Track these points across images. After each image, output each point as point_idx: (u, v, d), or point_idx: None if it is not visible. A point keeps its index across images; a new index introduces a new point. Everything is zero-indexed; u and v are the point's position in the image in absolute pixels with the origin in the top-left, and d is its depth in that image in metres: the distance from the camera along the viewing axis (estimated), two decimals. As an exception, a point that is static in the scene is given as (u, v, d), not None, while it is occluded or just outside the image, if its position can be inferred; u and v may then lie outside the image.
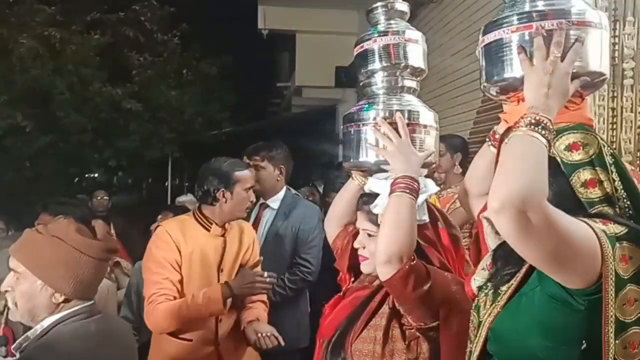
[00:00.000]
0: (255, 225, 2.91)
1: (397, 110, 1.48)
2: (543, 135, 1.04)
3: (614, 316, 1.03)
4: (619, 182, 1.12)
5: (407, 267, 1.33)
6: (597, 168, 1.12)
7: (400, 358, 1.41)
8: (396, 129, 1.47)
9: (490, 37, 1.23)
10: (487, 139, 1.46)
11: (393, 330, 1.40)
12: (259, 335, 2.21)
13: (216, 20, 10.52)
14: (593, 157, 1.13)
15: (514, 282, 1.16)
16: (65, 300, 1.51)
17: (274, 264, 2.75)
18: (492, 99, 1.35)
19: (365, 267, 1.54)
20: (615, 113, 2.40)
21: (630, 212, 1.10)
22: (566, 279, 1.04)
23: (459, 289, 1.41)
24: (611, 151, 1.15)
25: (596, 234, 1.03)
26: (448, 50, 4.78)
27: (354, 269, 1.63)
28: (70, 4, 8.30)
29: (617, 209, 1.10)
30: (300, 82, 10.32)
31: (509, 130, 1.09)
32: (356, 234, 1.60)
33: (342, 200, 1.75)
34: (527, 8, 1.20)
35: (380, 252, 1.36)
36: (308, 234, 2.84)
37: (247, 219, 2.89)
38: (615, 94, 2.40)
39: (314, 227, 2.86)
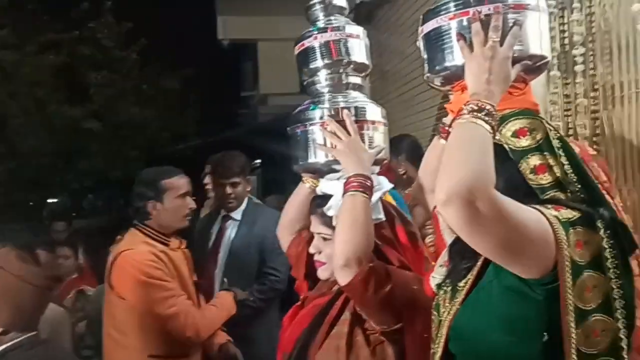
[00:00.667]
0: (219, 237, 2.82)
1: (343, 108, 1.43)
2: (486, 122, 1.01)
3: (573, 304, 0.99)
4: (569, 166, 1.08)
5: (366, 269, 1.28)
6: (545, 153, 1.09)
7: None
8: (344, 127, 1.42)
9: (429, 25, 1.20)
10: (437, 133, 1.42)
11: (356, 336, 1.35)
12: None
13: (176, 33, 10.39)
14: (540, 142, 1.10)
15: (471, 276, 1.12)
16: (3, 332, 1.43)
17: (241, 276, 2.68)
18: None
19: (322, 273, 1.49)
20: (569, 99, 2.41)
21: (582, 195, 1.07)
22: (521, 269, 1.00)
23: (421, 287, 1.37)
24: (558, 135, 1.12)
25: (548, 220, 1.00)
26: (407, 49, 4.77)
27: (311, 276, 1.58)
28: (23, 26, 8.11)
29: (569, 194, 1.07)
30: (265, 90, 10.30)
31: (453, 119, 1.05)
32: (311, 239, 1.54)
33: (294, 205, 1.69)
34: None
35: (338, 255, 1.31)
36: (274, 241, 2.76)
37: (209, 231, 2.80)
38: (568, 81, 2.41)
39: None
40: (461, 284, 1.15)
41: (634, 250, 1.08)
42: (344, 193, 1.34)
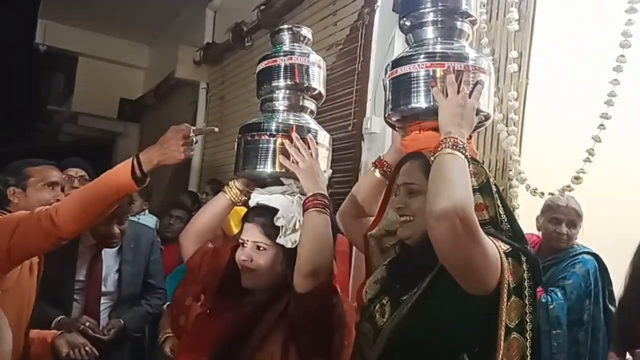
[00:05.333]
0: (94, 268, 2.45)
1: (295, 125, 1.51)
2: (464, 155, 1.18)
3: (504, 321, 1.19)
4: (501, 208, 1.31)
5: (329, 279, 1.36)
6: (484, 194, 1.29)
7: None
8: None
9: (401, 70, 1.36)
10: (373, 165, 1.56)
11: (290, 346, 1.38)
12: (73, 347, 2.01)
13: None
14: (481, 185, 1.30)
15: (418, 291, 1.24)
16: None
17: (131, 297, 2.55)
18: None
19: (248, 281, 1.49)
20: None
21: (510, 234, 1.29)
22: (476, 286, 1.16)
23: (347, 307, 1.47)
24: (494, 181, 1.35)
25: (497, 248, 1.19)
26: (252, 98, 4.89)
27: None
28: None
29: (500, 231, 1.28)
30: (77, 108, 9.51)
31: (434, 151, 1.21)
32: (235, 247, 1.54)
33: (210, 214, 1.67)
34: (430, 49, 1.37)
35: (305, 263, 1.35)
36: (158, 261, 2.72)
37: (73, 260, 2.44)
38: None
39: (157, 248, 2.73)
40: (405, 297, 1.27)
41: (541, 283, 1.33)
42: (307, 209, 1.40)
